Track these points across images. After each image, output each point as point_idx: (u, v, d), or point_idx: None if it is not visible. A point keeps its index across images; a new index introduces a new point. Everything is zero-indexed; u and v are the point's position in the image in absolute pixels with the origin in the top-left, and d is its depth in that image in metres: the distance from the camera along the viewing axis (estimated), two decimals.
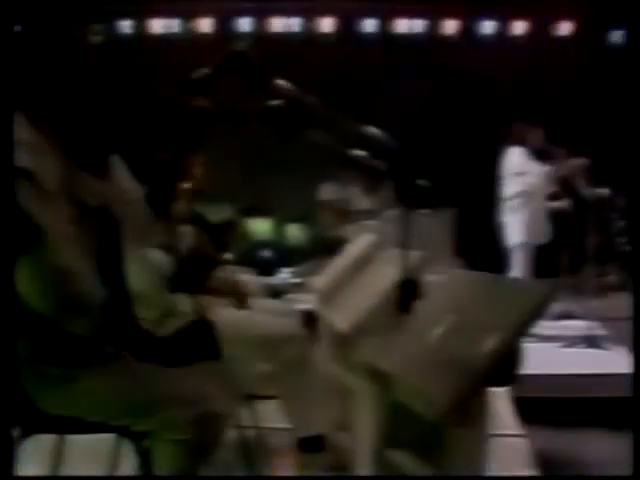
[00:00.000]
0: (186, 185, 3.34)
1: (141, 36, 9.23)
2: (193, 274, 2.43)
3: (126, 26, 9.11)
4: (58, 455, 2.91)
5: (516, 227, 7.20)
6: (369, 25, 9.36)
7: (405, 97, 8.79)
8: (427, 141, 8.01)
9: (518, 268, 7.13)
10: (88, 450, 3.12)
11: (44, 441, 2.68)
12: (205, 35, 9.27)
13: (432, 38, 9.56)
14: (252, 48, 3.03)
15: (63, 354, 2.28)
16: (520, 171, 7.10)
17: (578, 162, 7.11)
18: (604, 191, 7.44)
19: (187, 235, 3.36)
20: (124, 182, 2.84)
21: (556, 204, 7.42)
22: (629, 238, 8.32)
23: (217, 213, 3.52)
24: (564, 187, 7.45)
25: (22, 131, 2.24)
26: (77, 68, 2.35)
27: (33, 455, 2.65)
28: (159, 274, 3.16)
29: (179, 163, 3.30)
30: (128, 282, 2.45)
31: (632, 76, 3.02)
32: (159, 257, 3.02)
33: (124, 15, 8.97)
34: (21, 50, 2.31)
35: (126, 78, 2.73)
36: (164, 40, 9.25)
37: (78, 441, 2.75)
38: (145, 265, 2.97)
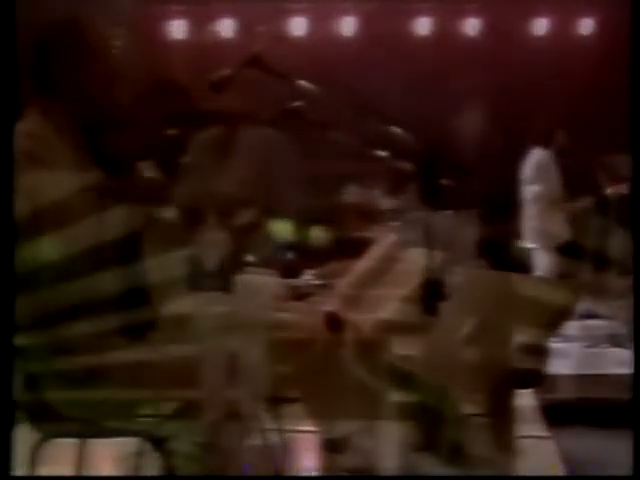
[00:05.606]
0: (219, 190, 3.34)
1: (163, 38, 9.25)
2: (218, 277, 2.42)
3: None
4: (80, 460, 2.91)
5: (536, 230, 7.17)
6: (390, 25, 9.33)
7: (427, 97, 8.77)
8: (451, 141, 7.98)
9: (542, 269, 7.10)
10: (110, 455, 3.12)
11: (66, 446, 2.68)
12: (225, 37, 9.27)
13: (453, 38, 9.54)
14: (271, 49, 3.03)
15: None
16: (537, 174, 7.06)
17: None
18: (624, 187, 7.37)
19: (212, 238, 3.35)
20: (150, 185, 2.84)
21: (577, 204, 7.37)
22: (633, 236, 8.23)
23: (240, 215, 3.51)
24: (584, 185, 7.40)
25: (36, 125, 2.25)
26: (100, 67, 2.36)
27: (54, 460, 2.64)
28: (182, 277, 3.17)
29: (212, 166, 3.30)
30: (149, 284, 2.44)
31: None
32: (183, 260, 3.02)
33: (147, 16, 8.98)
34: (44, 43, 2.32)
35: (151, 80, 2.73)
36: (185, 42, 9.26)
37: (100, 446, 2.75)
38: (167, 268, 2.97)
